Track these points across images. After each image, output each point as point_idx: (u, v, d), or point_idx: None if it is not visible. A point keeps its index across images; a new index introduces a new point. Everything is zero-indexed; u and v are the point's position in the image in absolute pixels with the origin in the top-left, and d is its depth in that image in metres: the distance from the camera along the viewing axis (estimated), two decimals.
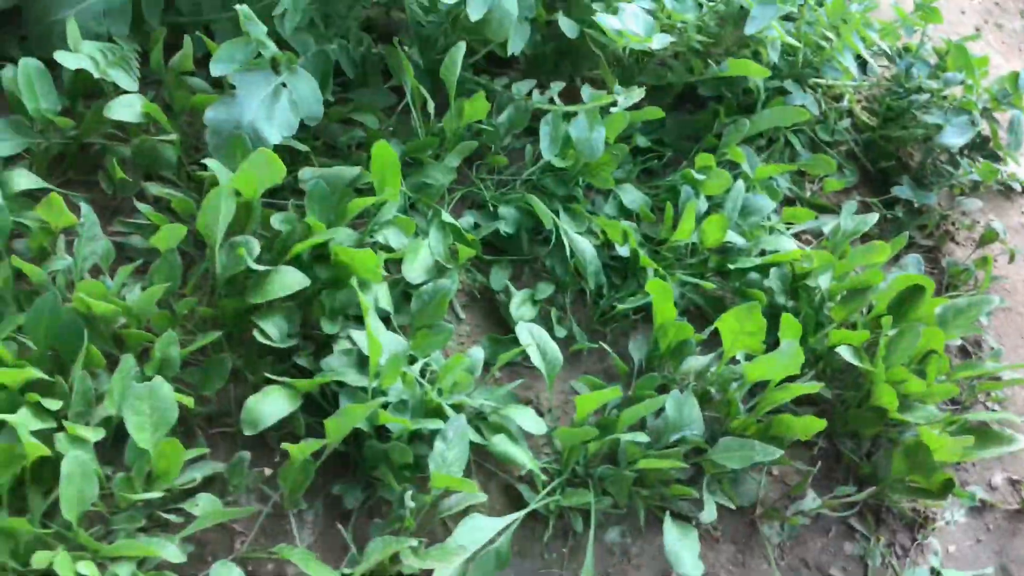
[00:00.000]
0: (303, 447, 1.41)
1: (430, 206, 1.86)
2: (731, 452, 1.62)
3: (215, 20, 1.94)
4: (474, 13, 1.73)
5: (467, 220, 1.90)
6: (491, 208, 1.96)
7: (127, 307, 1.48)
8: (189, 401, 1.44)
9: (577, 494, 1.63)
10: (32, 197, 1.64)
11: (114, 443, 1.44)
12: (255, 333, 1.52)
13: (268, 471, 1.54)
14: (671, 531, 1.54)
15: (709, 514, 1.62)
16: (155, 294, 1.49)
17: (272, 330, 1.52)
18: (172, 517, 1.42)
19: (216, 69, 1.61)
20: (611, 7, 1.93)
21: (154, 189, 1.68)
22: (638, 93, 1.86)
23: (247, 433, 1.43)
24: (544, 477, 1.64)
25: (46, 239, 1.59)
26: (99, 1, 1.83)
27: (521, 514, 1.57)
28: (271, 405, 1.44)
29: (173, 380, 1.47)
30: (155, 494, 1.36)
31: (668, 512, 1.60)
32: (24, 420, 1.28)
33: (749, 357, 1.73)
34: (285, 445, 1.41)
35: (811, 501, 1.79)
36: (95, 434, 1.37)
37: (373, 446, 1.54)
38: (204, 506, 1.43)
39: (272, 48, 1.67)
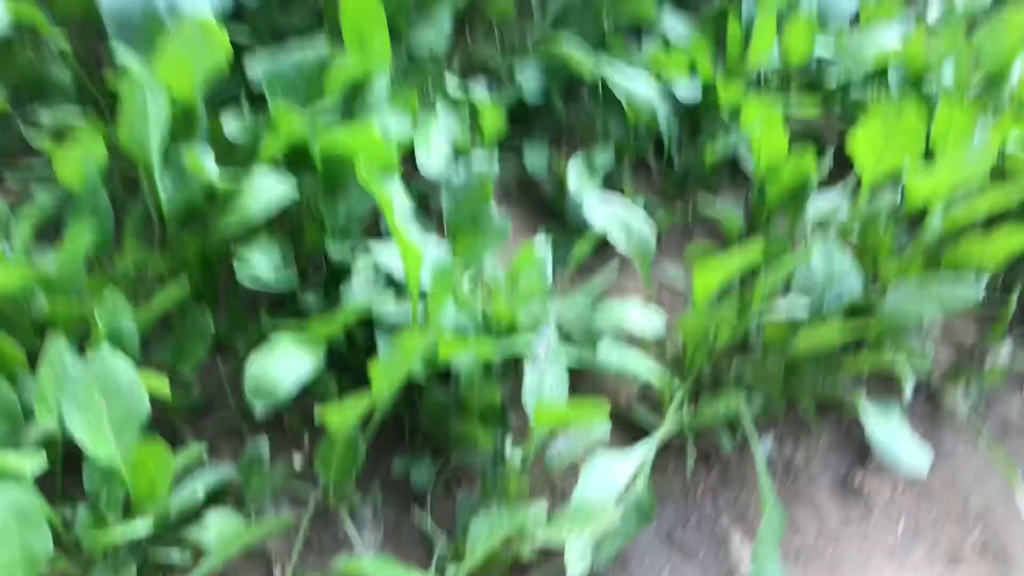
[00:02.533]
0: (343, 409, 0.95)
1: (427, 79, 1.39)
2: (914, 303, 1.18)
3: None
4: None
5: (476, 93, 1.43)
6: (503, 73, 1.50)
7: (43, 275, 1.01)
8: (163, 386, 0.97)
9: (719, 403, 1.19)
10: None
11: (67, 470, 0.98)
12: (237, 274, 1.05)
13: (298, 460, 1.08)
14: (875, 420, 1.10)
15: (909, 389, 1.18)
16: (79, 250, 1.02)
17: (259, 265, 1.06)
18: (175, 554, 0.97)
19: None
20: None
21: (46, 118, 1.20)
22: None
23: (259, 411, 0.96)
24: (669, 390, 1.20)
25: None
26: None
27: (654, 443, 1.13)
28: (285, 365, 0.97)
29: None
30: (139, 529, 0.90)
31: (862, 397, 1.16)
32: None
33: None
34: (320, 410, 0.95)
35: (1006, 355, 1.36)
36: (33, 463, 0.91)
37: (436, 397, 1.09)
38: (218, 530, 0.98)
39: None
